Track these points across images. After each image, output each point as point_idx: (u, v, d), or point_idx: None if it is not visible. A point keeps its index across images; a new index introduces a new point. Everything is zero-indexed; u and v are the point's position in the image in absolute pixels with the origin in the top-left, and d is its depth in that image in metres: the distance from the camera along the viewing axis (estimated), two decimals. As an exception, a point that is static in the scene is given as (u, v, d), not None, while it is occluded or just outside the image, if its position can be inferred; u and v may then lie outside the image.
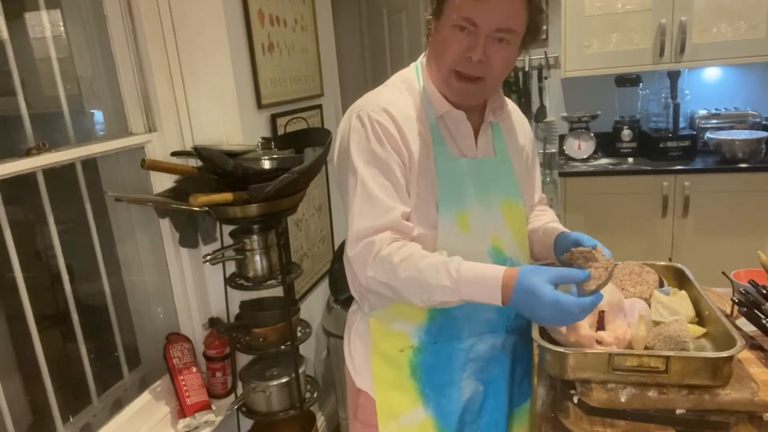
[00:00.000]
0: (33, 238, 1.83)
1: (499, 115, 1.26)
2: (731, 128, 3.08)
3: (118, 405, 1.83)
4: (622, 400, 1.07)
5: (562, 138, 3.29)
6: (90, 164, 1.78)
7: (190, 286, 1.96)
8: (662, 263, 1.43)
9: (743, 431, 1.05)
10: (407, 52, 3.60)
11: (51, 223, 1.60)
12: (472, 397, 1.25)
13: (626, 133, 3.20)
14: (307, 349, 2.32)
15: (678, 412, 1.06)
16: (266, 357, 1.95)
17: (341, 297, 2.25)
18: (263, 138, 1.83)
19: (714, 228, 2.90)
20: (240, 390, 1.94)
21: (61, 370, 1.72)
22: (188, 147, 1.88)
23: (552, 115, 3.30)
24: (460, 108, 1.18)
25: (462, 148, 1.21)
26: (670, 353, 1.06)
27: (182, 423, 1.77)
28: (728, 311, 1.37)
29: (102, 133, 1.93)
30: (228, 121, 1.89)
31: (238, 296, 1.93)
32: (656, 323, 1.21)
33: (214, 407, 1.86)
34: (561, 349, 1.10)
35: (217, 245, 1.88)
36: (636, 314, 1.18)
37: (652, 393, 1.06)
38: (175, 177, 1.83)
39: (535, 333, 1.15)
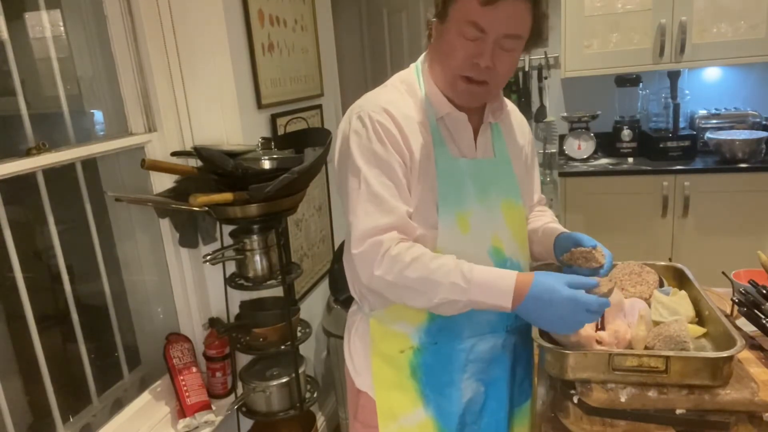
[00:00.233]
0: (33, 238, 1.82)
1: (499, 116, 1.27)
2: (731, 128, 3.08)
3: (118, 405, 1.83)
4: (622, 400, 1.07)
5: (562, 138, 3.29)
6: (90, 164, 1.78)
7: (190, 286, 1.96)
8: (662, 263, 1.43)
9: (743, 431, 1.05)
10: (407, 52, 3.60)
11: (51, 223, 1.60)
12: (473, 397, 1.25)
13: (626, 133, 3.20)
14: (307, 349, 2.32)
15: (678, 412, 1.06)
16: (266, 357, 1.95)
17: (341, 297, 2.25)
18: (263, 138, 1.83)
19: (714, 228, 2.90)
20: (240, 390, 1.94)
21: (61, 370, 1.72)
22: (188, 147, 1.88)
23: (552, 115, 3.30)
24: (462, 109, 1.19)
25: (462, 149, 1.21)
26: (670, 353, 1.06)
27: (182, 423, 1.77)
28: (728, 311, 1.37)
29: (102, 133, 1.93)
30: (228, 121, 1.89)
31: (238, 296, 1.93)
32: (656, 323, 1.21)
33: (214, 407, 1.86)
34: (561, 349, 1.10)
35: (217, 245, 1.88)
36: (636, 314, 1.18)
37: (652, 393, 1.06)
38: (175, 177, 1.83)
39: (535, 333, 1.15)
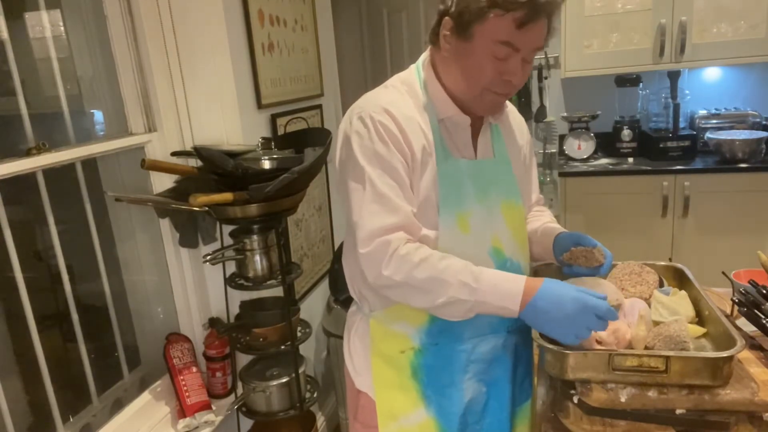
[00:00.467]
0: (33, 238, 1.83)
1: (499, 117, 1.27)
2: (731, 128, 3.08)
3: (118, 405, 1.83)
4: (622, 400, 1.07)
5: (562, 138, 3.29)
6: (90, 164, 1.78)
7: (190, 286, 1.96)
8: (662, 263, 1.43)
9: (743, 431, 1.05)
10: (407, 52, 3.60)
11: (51, 223, 1.60)
12: (475, 398, 1.25)
13: (626, 133, 3.20)
14: (307, 349, 2.32)
15: (678, 412, 1.06)
16: (266, 357, 1.95)
17: (341, 297, 2.25)
18: (263, 138, 1.83)
19: (714, 228, 2.90)
20: (240, 390, 1.94)
21: (61, 370, 1.72)
22: (188, 147, 1.88)
23: (552, 115, 3.30)
24: (467, 113, 1.19)
25: (462, 150, 1.21)
26: (670, 353, 1.06)
27: (182, 423, 1.77)
28: (728, 311, 1.37)
29: (102, 133, 1.93)
30: (228, 121, 1.89)
31: (238, 296, 1.92)
32: (656, 323, 1.21)
33: (214, 407, 1.86)
34: (561, 349, 1.10)
35: (217, 245, 1.88)
36: (636, 314, 1.18)
37: (652, 393, 1.06)
38: (175, 177, 1.83)
39: (535, 333, 1.15)
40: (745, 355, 1.17)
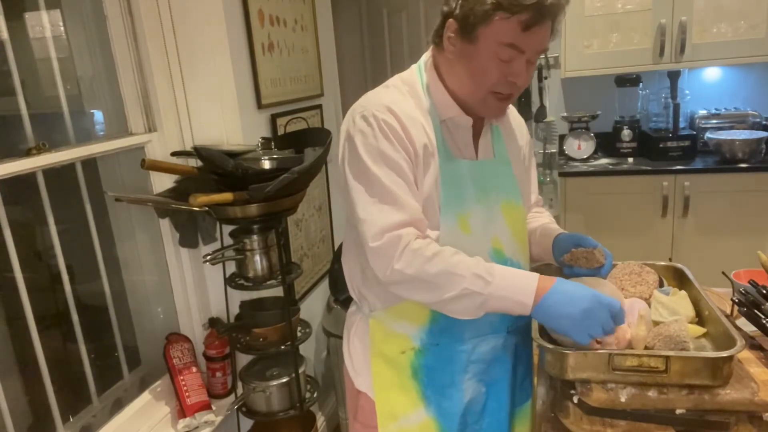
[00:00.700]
0: (33, 238, 1.83)
1: (500, 119, 1.27)
2: (731, 128, 3.08)
3: (118, 405, 1.83)
4: (622, 400, 1.07)
5: (562, 138, 3.29)
6: (90, 164, 1.78)
7: (190, 286, 1.96)
8: (662, 263, 1.43)
9: (743, 431, 1.05)
10: (407, 52, 3.60)
11: (51, 223, 1.60)
12: (474, 398, 1.25)
13: (626, 133, 3.20)
14: (307, 349, 2.32)
15: (678, 412, 1.06)
16: (266, 357, 1.95)
17: (341, 297, 2.25)
18: (263, 138, 1.83)
19: (714, 228, 2.90)
20: (240, 390, 1.94)
21: (61, 370, 1.71)
22: (188, 147, 1.88)
23: (552, 115, 3.30)
24: (470, 114, 1.19)
25: (463, 151, 1.21)
26: (670, 353, 1.06)
27: (182, 423, 1.77)
28: (728, 311, 1.37)
29: (102, 133, 1.93)
30: (228, 121, 1.89)
31: (238, 296, 1.92)
32: (656, 323, 1.21)
33: (214, 407, 1.86)
34: (561, 349, 1.10)
35: (217, 245, 1.88)
36: (636, 314, 1.18)
37: (652, 393, 1.06)
38: (175, 177, 1.83)
39: (535, 332, 1.15)
40: (745, 355, 1.17)
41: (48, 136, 1.59)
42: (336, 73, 2.74)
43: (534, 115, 3.24)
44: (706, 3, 2.84)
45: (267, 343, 1.83)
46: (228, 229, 1.84)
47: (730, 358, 1.04)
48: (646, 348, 1.13)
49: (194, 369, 1.89)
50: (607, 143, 3.28)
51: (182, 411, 1.80)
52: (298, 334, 1.93)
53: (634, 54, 2.98)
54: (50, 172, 1.58)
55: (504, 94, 1.14)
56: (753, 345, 1.21)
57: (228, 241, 1.82)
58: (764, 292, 1.30)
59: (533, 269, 1.38)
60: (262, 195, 1.59)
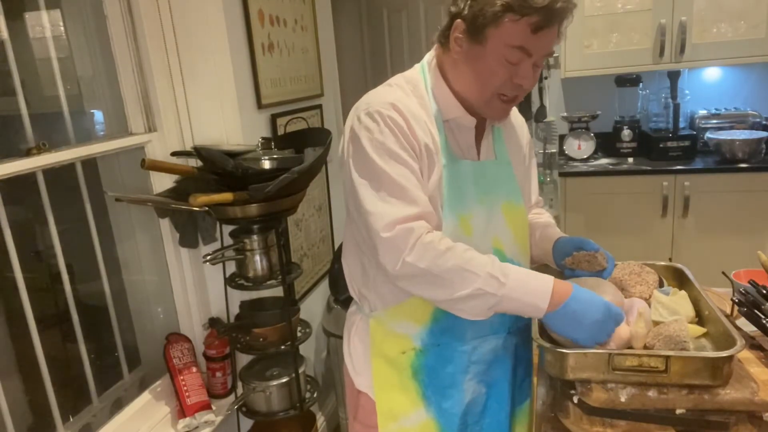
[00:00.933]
0: (33, 238, 1.83)
1: (503, 120, 1.27)
2: (731, 128, 3.08)
3: (118, 405, 1.83)
4: (622, 400, 1.07)
5: (562, 138, 3.29)
6: (90, 164, 1.78)
7: (190, 286, 1.96)
8: (662, 263, 1.43)
9: (743, 431, 1.05)
10: (407, 52, 3.60)
11: (51, 223, 1.60)
12: (475, 398, 1.25)
13: (626, 133, 3.20)
14: (307, 349, 2.32)
15: (678, 412, 1.06)
16: (266, 357, 1.95)
17: (341, 297, 2.25)
18: (263, 138, 1.83)
19: (714, 228, 2.90)
20: (240, 390, 1.94)
21: (61, 370, 1.72)
22: (188, 147, 1.88)
23: (552, 115, 3.29)
24: (473, 114, 1.19)
25: (465, 151, 1.21)
26: (670, 353, 1.06)
27: (182, 423, 1.77)
28: (728, 311, 1.37)
29: (102, 133, 1.93)
30: (228, 121, 1.89)
31: (238, 296, 1.93)
32: (656, 323, 1.21)
33: (214, 407, 1.86)
34: (561, 349, 1.10)
35: (217, 245, 1.88)
36: (635, 313, 1.18)
37: (652, 393, 1.06)
38: (175, 177, 1.83)
39: (535, 333, 1.15)
40: (745, 355, 1.17)
41: (48, 136, 1.59)
42: (336, 73, 2.74)
43: (534, 115, 3.23)
44: (706, 3, 2.84)
45: (267, 343, 1.83)
46: (228, 229, 1.84)
47: (730, 358, 1.04)
48: (646, 348, 1.13)
49: (194, 369, 1.88)
50: (607, 143, 3.28)
51: (182, 411, 1.80)
52: (298, 334, 1.93)
53: (634, 54, 2.98)
54: (50, 172, 1.58)
55: (509, 97, 1.14)
56: (753, 345, 1.21)
57: (228, 241, 1.82)
58: (764, 292, 1.30)
59: (532, 269, 1.38)
60: (262, 195, 1.59)
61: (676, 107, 3.07)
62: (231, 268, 1.84)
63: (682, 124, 3.13)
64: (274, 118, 2.10)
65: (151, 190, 1.85)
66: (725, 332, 1.10)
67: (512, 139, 1.32)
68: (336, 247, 2.63)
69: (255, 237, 1.76)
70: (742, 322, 1.29)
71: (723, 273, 1.47)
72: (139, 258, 2.02)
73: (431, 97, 1.18)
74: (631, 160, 3.17)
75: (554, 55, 3.16)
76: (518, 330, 1.28)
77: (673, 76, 3.08)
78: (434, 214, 1.11)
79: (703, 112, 3.19)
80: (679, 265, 1.41)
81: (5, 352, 1.80)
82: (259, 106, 2.00)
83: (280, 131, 2.14)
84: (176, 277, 1.95)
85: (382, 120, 1.10)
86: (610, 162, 3.19)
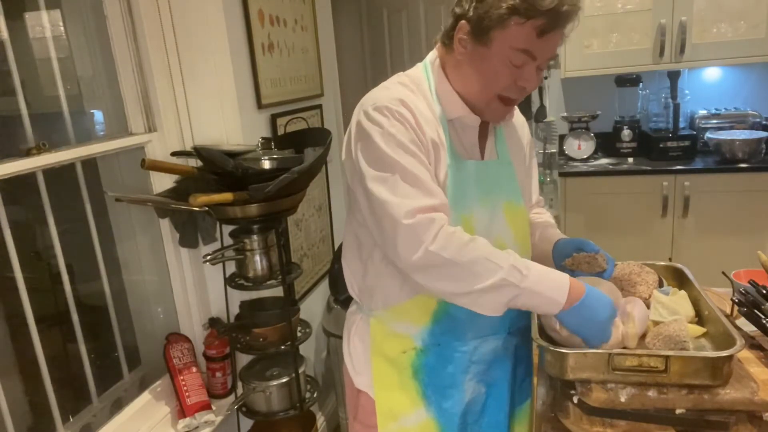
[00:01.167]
0: (33, 238, 1.83)
1: (506, 119, 1.27)
2: (731, 128, 3.08)
3: (118, 405, 1.83)
4: (622, 400, 1.07)
5: (562, 138, 3.29)
6: (90, 164, 1.78)
7: (190, 286, 1.96)
8: (662, 263, 1.43)
9: (743, 431, 1.05)
10: (407, 52, 3.60)
11: (51, 223, 1.60)
12: (475, 398, 1.26)
13: (626, 133, 3.20)
14: (307, 349, 2.32)
15: (678, 411, 1.06)
16: (266, 357, 1.95)
17: (341, 297, 2.25)
18: (263, 138, 1.83)
19: (714, 228, 2.90)
20: (240, 390, 1.94)
21: (61, 370, 1.72)
22: (188, 147, 1.88)
23: (552, 115, 3.29)
24: (477, 114, 1.19)
25: (469, 151, 1.21)
26: (670, 353, 1.06)
27: (182, 423, 1.77)
28: (728, 311, 1.37)
29: (102, 133, 1.93)
30: (228, 121, 1.89)
31: (238, 296, 1.93)
32: (656, 323, 1.21)
33: (214, 407, 1.86)
34: (561, 349, 1.10)
35: (217, 245, 1.88)
36: (635, 313, 1.18)
37: (651, 393, 1.06)
38: (175, 177, 1.83)
39: (535, 333, 1.15)
40: (745, 354, 1.17)
41: (48, 136, 1.59)
42: (336, 73, 2.74)
43: (534, 115, 3.23)
44: (706, 3, 2.84)
45: (267, 343, 1.83)
46: (228, 229, 1.84)
47: (730, 357, 1.04)
48: (645, 348, 1.13)
49: (194, 369, 1.89)
50: (607, 143, 3.28)
51: (182, 411, 1.80)
52: (298, 334, 1.93)
53: (634, 54, 2.98)
54: (50, 172, 1.58)
55: (510, 99, 1.15)
56: (753, 345, 1.21)
57: (228, 241, 1.82)
58: (764, 292, 1.30)
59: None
60: (262, 195, 1.59)
61: (676, 107, 3.07)
62: (231, 268, 1.84)
63: (682, 124, 3.13)
64: (274, 118, 2.10)
65: (151, 190, 1.85)
66: (725, 332, 1.10)
67: (513, 139, 1.32)
68: (336, 247, 2.63)
69: (255, 237, 1.76)
70: (742, 322, 1.29)
71: (723, 273, 1.47)
72: (139, 258, 2.02)
73: (435, 97, 1.18)
74: (631, 160, 3.17)
75: (555, 55, 3.18)
76: (518, 330, 1.28)
77: (673, 76, 3.08)
78: (449, 208, 1.11)
79: (703, 112, 3.19)
80: (679, 265, 1.41)
81: (5, 352, 1.80)
82: (259, 106, 2.00)
83: (280, 131, 2.14)
84: (176, 277, 1.95)
85: (392, 114, 1.10)
86: (610, 162, 3.19)
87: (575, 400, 1.11)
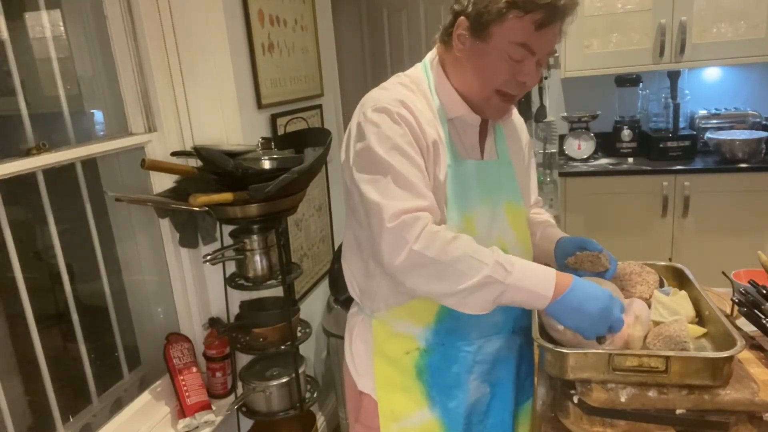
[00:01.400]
0: (33, 238, 1.83)
1: (505, 119, 1.27)
2: (731, 128, 3.08)
3: (118, 405, 1.83)
4: (622, 400, 1.07)
5: (562, 138, 3.29)
6: (90, 164, 1.78)
7: (190, 286, 1.96)
8: (662, 263, 1.43)
9: (743, 431, 1.05)
10: (407, 52, 3.60)
11: (51, 223, 1.60)
12: (479, 398, 1.25)
13: (626, 133, 3.20)
14: (307, 349, 2.32)
15: (678, 412, 1.06)
16: (266, 357, 1.95)
17: (341, 297, 2.25)
18: (263, 138, 1.83)
19: (714, 228, 2.90)
20: (240, 390, 1.94)
21: (61, 370, 1.71)
22: (188, 147, 1.88)
23: (552, 115, 3.29)
24: (477, 113, 1.19)
25: (469, 151, 1.21)
26: (670, 353, 1.06)
27: (182, 423, 1.77)
28: (728, 311, 1.37)
29: (102, 133, 1.93)
30: (228, 121, 1.89)
31: (238, 296, 1.92)
32: (656, 323, 1.21)
33: (214, 407, 1.86)
34: (561, 349, 1.10)
35: (217, 245, 1.88)
36: (632, 315, 1.17)
37: (652, 393, 1.06)
38: (175, 177, 1.83)
39: (535, 332, 1.15)
40: (745, 355, 1.17)
41: (48, 136, 1.59)
42: (336, 73, 2.74)
43: (534, 115, 3.23)
44: (706, 3, 2.84)
45: (267, 343, 1.83)
46: (228, 229, 1.84)
47: (730, 358, 1.04)
48: (645, 348, 1.13)
49: (194, 369, 1.88)
50: (607, 143, 3.28)
51: (182, 411, 1.80)
52: (298, 334, 1.93)
53: (634, 54, 2.98)
54: (50, 172, 1.58)
55: (510, 95, 1.14)
56: (753, 345, 1.21)
57: (228, 241, 1.81)
58: (764, 292, 1.30)
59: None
60: (262, 195, 1.59)
61: (676, 107, 3.07)
62: (231, 268, 1.84)
63: (682, 124, 3.13)
64: (274, 118, 2.10)
65: (151, 190, 1.85)
66: (725, 332, 1.10)
67: (513, 139, 1.32)
68: (336, 247, 2.63)
69: (255, 237, 1.76)
70: (742, 322, 1.29)
71: (723, 273, 1.47)
72: (139, 258, 2.02)
73: (435, 96, 1.18)
74: (631, 160, 3.17)
75: (555, 55, 3.18)
76: (522, 329, 1.28)
77: (673, 76, 3.08)
78: (438, 212, 1.11)
79: (703, 112, 3.19)
80: (679, 265, 1.41)
81: (5, 352, 1.80)
82: (259, 106, 2.00)
83: (280, 131, 2.14)
84: (176, 277, 1.95)
85: (390, 116, 1.10)
86: (610, 162, 3.19)
87: (575, 400, 1.11)
